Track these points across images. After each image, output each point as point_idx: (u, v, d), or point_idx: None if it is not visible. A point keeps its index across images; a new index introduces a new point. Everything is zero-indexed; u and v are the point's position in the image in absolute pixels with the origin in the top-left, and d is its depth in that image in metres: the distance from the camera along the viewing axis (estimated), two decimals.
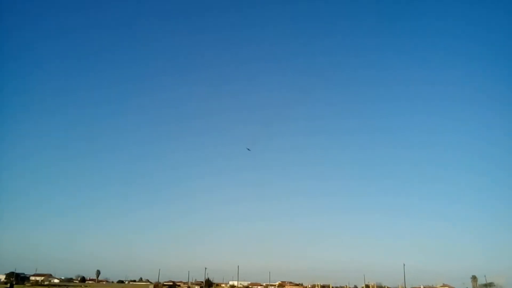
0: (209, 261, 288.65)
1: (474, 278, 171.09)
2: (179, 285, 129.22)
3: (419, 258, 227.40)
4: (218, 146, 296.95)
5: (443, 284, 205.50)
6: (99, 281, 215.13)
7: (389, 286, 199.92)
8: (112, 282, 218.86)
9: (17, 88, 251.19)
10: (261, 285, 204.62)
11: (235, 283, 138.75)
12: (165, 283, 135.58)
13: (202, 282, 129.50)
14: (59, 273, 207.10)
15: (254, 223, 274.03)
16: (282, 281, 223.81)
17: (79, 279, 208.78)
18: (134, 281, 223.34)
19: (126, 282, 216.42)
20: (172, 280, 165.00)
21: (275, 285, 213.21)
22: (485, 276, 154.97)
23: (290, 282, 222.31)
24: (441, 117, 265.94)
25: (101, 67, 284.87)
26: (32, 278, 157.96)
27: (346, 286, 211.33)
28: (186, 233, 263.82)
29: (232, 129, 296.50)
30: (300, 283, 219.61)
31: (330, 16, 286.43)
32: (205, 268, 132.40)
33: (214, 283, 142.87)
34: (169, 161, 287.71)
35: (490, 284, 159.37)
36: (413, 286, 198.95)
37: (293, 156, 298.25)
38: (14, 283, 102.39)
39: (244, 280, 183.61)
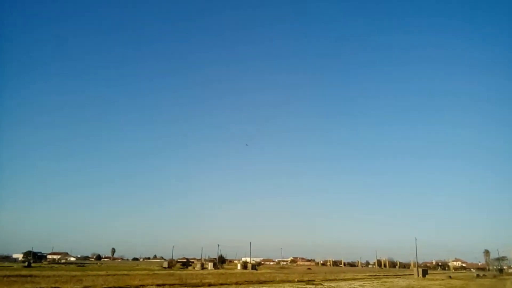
0: (221, 238, 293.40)
1: (486, 252, 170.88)
2: (192, 262, 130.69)
3: (431, 233, 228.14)
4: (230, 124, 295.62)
5: (456, 258, 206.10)
6: (114, 259, 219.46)
7: (401, 261, 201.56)
8: (127, 259, 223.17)
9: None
10: (273, 261, 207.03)
11: (248, 259, 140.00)
12: (179, 260, 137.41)
13: (215, 258, 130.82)
14: (75, 251, 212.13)
15: (266, 200, 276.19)
16: (294, 257, 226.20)
17: (94, 257, 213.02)
18: (149, 258, 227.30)
19: (141, 260, 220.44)
20: (186, 257, 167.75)
21: (287, 261, 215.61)
22: (497, 250, 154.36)
23: (302, 258, 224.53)
24: (451, 95, 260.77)
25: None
26: (49, 256, 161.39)
27: (358, 261, 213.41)
28: (199, 210, 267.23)
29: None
30: (312, 259, 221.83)
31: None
32: (218, 245, 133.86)
33: (227, 260, 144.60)
34: (181, 140, 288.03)
35: (503, 258, 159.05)
36: (425, 261, 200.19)
37: (303, 135, 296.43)
38: (31, 261, 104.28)
39: (257, 257, 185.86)
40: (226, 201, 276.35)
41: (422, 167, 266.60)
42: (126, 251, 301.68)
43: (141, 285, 31.37)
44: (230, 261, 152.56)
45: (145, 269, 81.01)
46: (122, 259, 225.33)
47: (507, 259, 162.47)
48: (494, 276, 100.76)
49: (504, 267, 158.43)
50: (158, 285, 32.23)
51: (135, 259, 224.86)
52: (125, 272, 60.14)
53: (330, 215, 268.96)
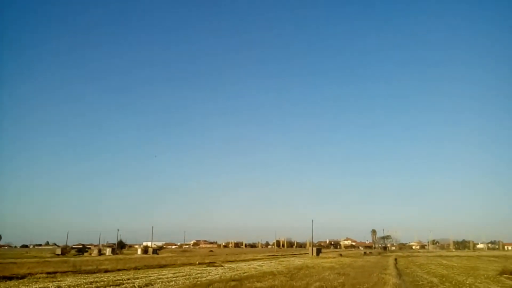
0: (123, 223, 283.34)
1: (373, 231, 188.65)
2: (89, 248, 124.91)
3: (327, 214, 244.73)
4: None
5: (347, 237, 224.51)
6: (0, 246, 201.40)
7: (298, 241, 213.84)
8: (15, 247, 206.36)
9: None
10: (175, 245, 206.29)
11: (149, 243, 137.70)
12: (74, 246, 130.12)
13: (114, 244, 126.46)
14: None
15: (166, 182, 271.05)
16: (197, 240, 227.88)
17: None
18: (40, 245, 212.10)
19: (31, 247, 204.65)
20: (82, 243, 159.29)
21: (190, 244, 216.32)
22: (383, 229, 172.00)
23: (205, 241, 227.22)
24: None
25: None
26: None
27: (259, 242, 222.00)
28: (97, 193, 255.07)
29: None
30: (215, 241, 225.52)
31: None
32: (118, 230, 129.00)
33: (127, 245, 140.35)
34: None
35: (387, 237, 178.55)
36: (320, 240, 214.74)
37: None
38: None
39: (160, 241, 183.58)
40: (126, 183, 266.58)
41: (320, 151, 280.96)
42: (14, 237, 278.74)
43: (29, 273, 29.24)
44: (131, 246, 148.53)
45: (35, 257, 75.60)
46: (9, 246, 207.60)
47: (390, 238, 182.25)
48: (379, 253, 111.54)
49: (388, 245, 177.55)
50: (48, 273, 30.31)
51: (24, 246, 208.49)
52: (12, 260, 55.72)
53: (232, 198, 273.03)
